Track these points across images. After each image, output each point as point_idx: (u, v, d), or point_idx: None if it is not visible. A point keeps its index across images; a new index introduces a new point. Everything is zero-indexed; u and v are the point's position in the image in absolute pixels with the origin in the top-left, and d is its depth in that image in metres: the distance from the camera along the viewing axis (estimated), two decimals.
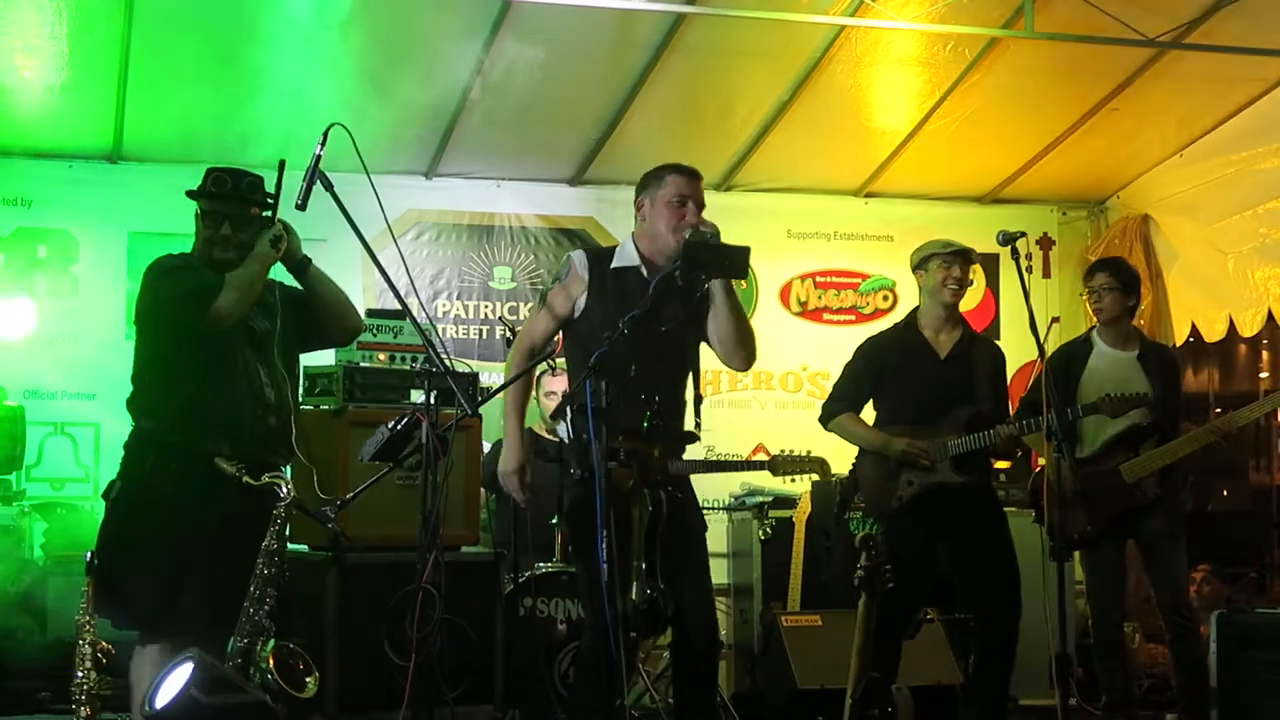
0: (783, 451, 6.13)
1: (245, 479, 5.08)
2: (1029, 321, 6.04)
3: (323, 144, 4.90)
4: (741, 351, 5.48)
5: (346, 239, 5.14)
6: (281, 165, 5.17)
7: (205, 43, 7.58)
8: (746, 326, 5.50)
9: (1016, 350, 7.78)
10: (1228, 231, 9.02)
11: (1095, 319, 7.23)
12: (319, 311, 5.50)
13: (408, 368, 6.73)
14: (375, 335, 6.69)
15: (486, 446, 7.68)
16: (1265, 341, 11.44)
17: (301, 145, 5.57)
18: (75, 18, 7.41)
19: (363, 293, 8.65)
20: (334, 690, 6.12)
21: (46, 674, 7.13)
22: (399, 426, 5.17)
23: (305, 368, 6.62)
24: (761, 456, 8.87)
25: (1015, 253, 6.07)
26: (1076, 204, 10.34)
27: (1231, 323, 9.02)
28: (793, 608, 7.91)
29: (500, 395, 5.54)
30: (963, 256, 6.57)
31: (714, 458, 8.78)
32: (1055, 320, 9.28)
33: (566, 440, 5.32)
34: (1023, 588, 6.51)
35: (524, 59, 7.95)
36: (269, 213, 5.32)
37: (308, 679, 5.03)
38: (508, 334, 7.83)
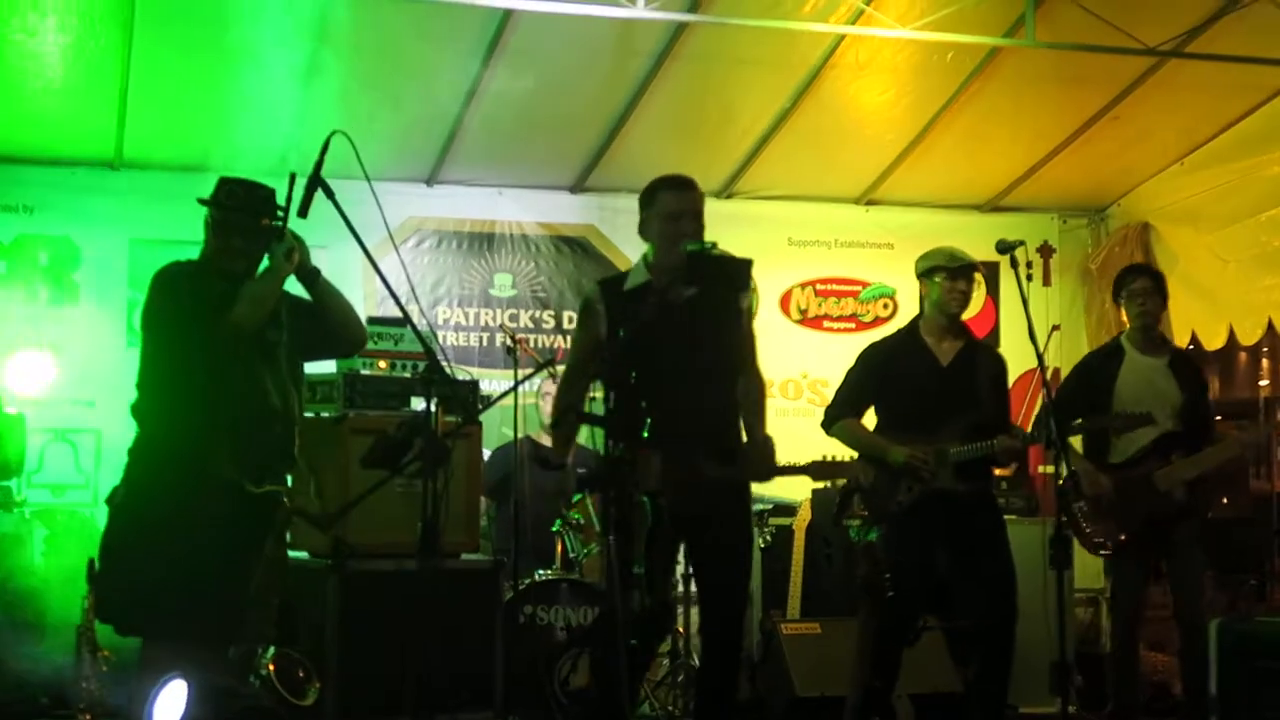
0: (824, 457, 6.08)
1: (247, 486, 5.09)
2: (1028, 330, 6.04)
3: (324, 151, 4.91)
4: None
5: (348, 246, 5.16)
6: (292, 178, 5.17)
7: (206, 50, 7.58)
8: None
9: (1016, 358, 7.77)
10: (1228, 240, 9.02)
11: (1132, 323, 7.17)
12: (326, 322, 5.50)
13: (408, 375, 6.74)
14: (376, 343, 6.69)
15: (486, 454, 7.69)
16: (1266, 350, 11.43)
17: (303, 152, 5.59)
18: (77, 24, 7.41)
19: (363, 300, 8.65)
20: (334, 698, 6.12)
21: (47, 680, 7.13)
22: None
23: (306, 375, 6.63)
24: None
25: (1014, 261, 6.08)
26: (1077, 212, 10.35)
27: (1231, 331, 9.02)
28: (792, 615, 7.91)
29: (500, 404, 5.55)
30: (966, 272, 6.58)
31: None
32: (1055, 328, 9.27)
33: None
34: (1023, 596, 6.51)
35: (525, 68, 7.97)
36: (280, 223, 5.32)
37: (308, 686, 5.04)
38: (508, 341, 7.84)
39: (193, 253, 5.42)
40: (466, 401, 6.33)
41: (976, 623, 6.57)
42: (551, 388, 8.06)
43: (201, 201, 5.32)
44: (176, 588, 5.07)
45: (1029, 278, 6.19)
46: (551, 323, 9.54)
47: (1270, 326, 8.73)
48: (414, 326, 5.33)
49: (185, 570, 5.07)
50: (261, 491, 5.15)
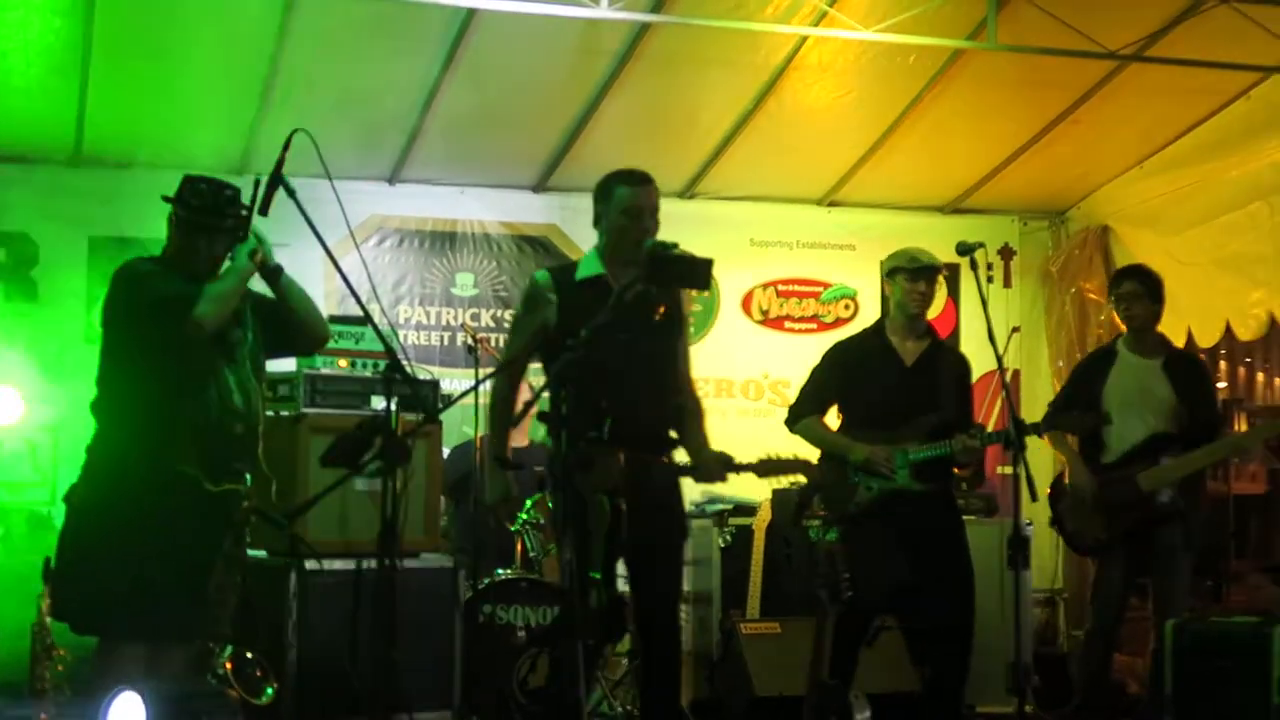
0: (769, 455, 6.06)
1: (207, 484, 5.07)
2: (988, 331, 6.07)
3: (285, 149, 4.89)
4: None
5: (309, 245, 5.14)
6: (256, 183, 5.16)
7: (167, 46, 7.54)
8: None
9: (977, 360, 7.80)
10: (1186, 243, 9.07)
11: (1124, 327, 7.25)
12: (289, 320, 5.47)
13: (369, 374, 6.72)
14: (337, 341, 6.66)
15: (446, 452, 7.68)
16: (1223, 353, 11.51)
17: (264, 150, 5.57)
18: (35, 19, 7.36)
19: (324, 298, 8.60)
20: (292, 697, 6.11)
21: (1, 678, 7.09)
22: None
23: (266, 373, 6.61)
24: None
25: (974, 263, 6.11)
26: (1037, 214, 10.39)
27: (1189, 334, 9.07)
28: (752, 615, 7.92)
29: (460, 403, 5.54)
30: (927, 273, 6.60)
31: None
32: (1015, 330, 9.33)
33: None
34: (980, 596, 6.54)
35: (488, 67, 7.96)
36: (244, 225, 5.29)
37: (265, 685, 5.02)
38: (469, 340, 7.84)
39: (153, 250, 5.41)
40: (427, 400, 6.31)
41: (934, 623, 6.60)
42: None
43: (166, 199, 5.29)
44: (134, 586, 5.05)
45: (989, 279, 6.23)
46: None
47: (1228, 330, 8.78)
48: (375, 325, 5.33)
49: (143, 569, 5.05)
50: (221, 490, 5.13)
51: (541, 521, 7.69)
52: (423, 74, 8.07)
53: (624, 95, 8.41)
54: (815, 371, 6.85)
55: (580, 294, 5.37)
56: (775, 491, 8.34)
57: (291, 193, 4.90)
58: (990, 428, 9.01)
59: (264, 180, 5.03)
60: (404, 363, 5.06)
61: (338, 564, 6.23)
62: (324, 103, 7.95)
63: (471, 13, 7.42)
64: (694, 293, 9.41)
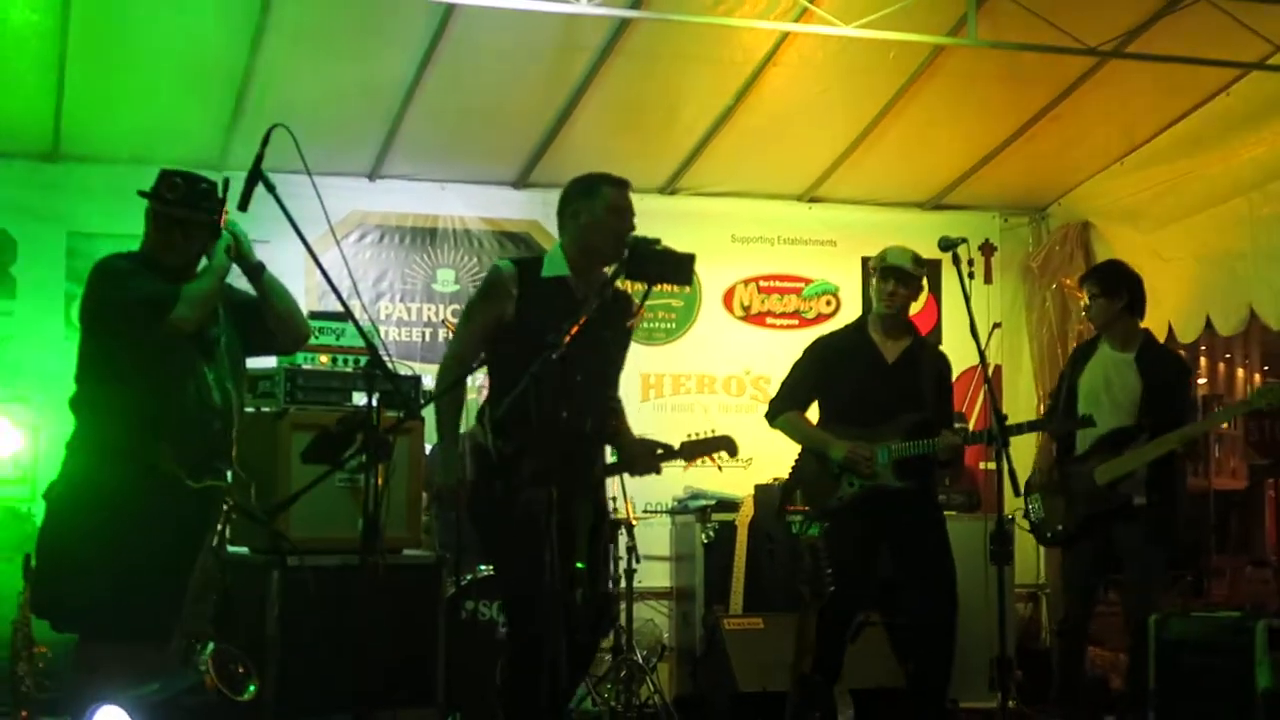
0: (689, 436, 6.02)
1: (187, 481, 5.05)
2: (970, 327, 6.07)
3: (264, 144, 4.87)
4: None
5: (289, 241, 5.11)
6: (225, 183, 5.14)
7: (145, 41, 7.51)
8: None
9: (958, 356, 7.81)
10: (1167, 239, 9.09)
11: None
12: (269, 318, 5.46)
13: (350, 370, 6.71)
14: (317, 337, 6.65)
15: (429, 449, 7.66)
16: (1203, 348, 11.56)
17: (243, 145, 5.54)
18: (11, 12, 7.32)
19: (305, 294, 8.59)
20: (274, 694, 6.09)
21: None
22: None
23: (247, 370, 6.59)
24: (704, 461, 8.88)
25: (956, 259, 6.12)
26: (1018, 210, 10.40)
27: (1170, 329, 9.10)
28: (735, 610, 7.93)
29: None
30: (895, 273, 6.64)
31: None
32: (997, 326, 9.32)
33: (492, 451, 5.25)
34: (963, 591, 6.55)
35: (468, 62, 7.94)
36: (220, 218, 5.27)
37: (247, 682, 5.00)
38: (450, 336, 7.82)
39: (132, 245, 5.38)
40: (409, 397, 6.30)
41: (918, 619, 6.61)
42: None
43: (142, 194, 5.28)
44: (115, 584, 5.03)
45: (970, 275, 6.21)
46: None
47: (1209, 325, 8.80)
48: (356, 321, 5.30)
49: (124, 566, 5.03)
50: (201, 487, 5.11)
51: None
52: (402, 69, 8.04)
53: (604, 91, 8.39)
54: (796, 366, 6.86)
55: (542, 292, 5.35)
56: (758, 487, 8.36)
57: (271, 188, 4.88)
58: (972, 423, 9.07)
59: (228, 180, 5.00)
60: (385, 359, 5.04)
61: (320, 561, 6.22)
62: (303, 98, 7.92)
63: (451, 8, 7.39)
64: (675, 288, 9.51)
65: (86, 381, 5.26)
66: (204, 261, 5.26)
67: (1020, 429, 6.80)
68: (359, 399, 6.32)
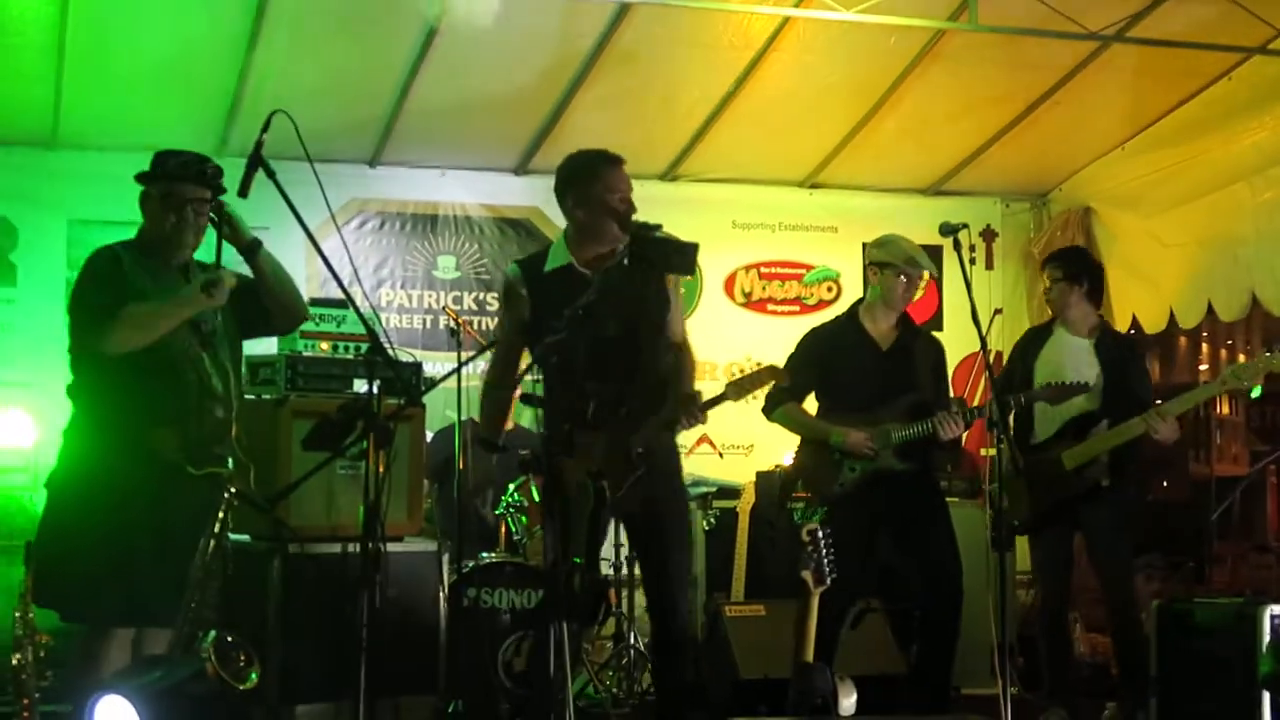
0: (734, 375, 5.91)
1: (189, 468, 5.04)
2: (971, 313, 6.06)
3: (265, 131, 4.85)
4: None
5: (289, 227, 5.10)
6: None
7: (144, 27, 7.50)
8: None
9: (959, 341, 7.81)
10: (1169, 224, 9.08)
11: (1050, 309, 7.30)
12: (266, 298, 5.42)
13: (350, 357, 6.70)
14: (318, 324, 6.65)
15: (430, 436, 7.66)
16: (1205, 334, 11.56)
17: (244, 132, 5.52)
18: (11, 1, 7.31)
19: (306, 281, 8.59)
20: (276, 681, 6.09)
21: None
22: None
23: (247, 356, 6.57)
24: (705, 449, 8.88)
25: (957, 244, 6.10)
26: (1019, 196, 10.40)
27: (1172, 314, 9.09)
28: (736, 598, 7.92)
29: (443, 386, 5.52)
30: (921, 275, 6.64)
31: None
32: (998, 312, 9.31)
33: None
34: (965, 577, 6.55)
35: (469, 49, 7.92)
36: (216, 203, 5.24)
37: (249, 670, 4.99)
38: (451, 323, 7.81)
39: (133, 233, 5.35)
40: (409, 383, 6.29)
41: (921, 605, 6.61)
42: None
43: (148, 176, 5.23)
44: (117, 572, 5.03)
45: (972, 261, 6.21)
46: (495, 305, 9.49)
47: (1210, 310, 8.79)
48: (356, 308, 5.28)
49: (127, 553, 5.02)
50: (204, 474, 5.10)
51: (525, 505, 7.68)
52: (403, 56, 8.03)
53: (605, 77, 8.38)
54: (791, 359, 6.84)
55: (550, 285, 5.33)
56: (759, 474, 8.35)
57: (272, 174, 4.86)
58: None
59: (229, 150, 4.97)
60: (386, 346, 5.04)
61: (321, 548, 6.22)
62: (304, 84, 7.90)
63: None
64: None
65: (83, 369, 5.24)
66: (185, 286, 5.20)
67: (1019, 402, 6.77)
68: (360, 386, 6.31)
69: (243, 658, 4.97)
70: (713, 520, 8.37)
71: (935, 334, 7.53)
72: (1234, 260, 8.55)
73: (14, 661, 5.12)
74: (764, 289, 9.99)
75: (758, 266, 9.99)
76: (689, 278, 9.47)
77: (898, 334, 6.70)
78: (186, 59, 7.79)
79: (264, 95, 7.71)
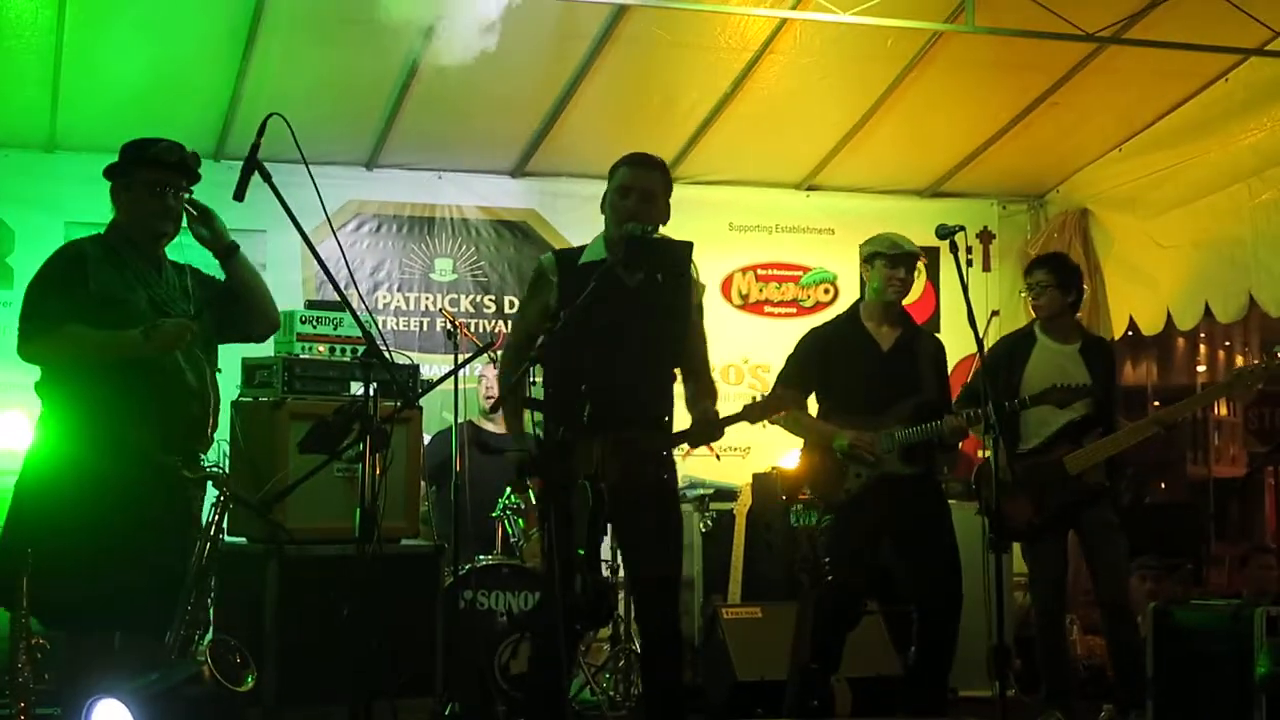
0: (753, 399, 5.94)
1: (169, 466, 5.00)
2: (968, 315, 6.05)
3: (261, 133, 4.85)
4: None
5: (285, 230, 5.08)
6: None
7: (142, 30, 7.50)
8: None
9: (956, 343, 7.80)
10: (1166, 225, 9.08)
11: (1035, 314, 7.27)
12: (240, 302, 5.37)
13: (347, 359, 6.68)
14: (315, 327, 6.65)
15: (427, 438, 7.66)
16: (1202, 335, 11.57)
17: (240, 134, 5.51)
18: (7, 3, 7.31)
19: (302, 284, 8.61)
20: (272, 684, 6.08)
21: None
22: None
23: (244, 359, 6.57)
24: (702, 451, 8.86)
25: (954, 246, 6.09)
26: (1016, 198, 10.40)
27: (1169, 316, 9.09)
28: (733, 600, 7.92)
29: (439, 388, 5.51)
30: (907, 260, 6.60)
31: None
32: (995, 314, 9.32)
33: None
34: (963, 580, 6.54)
35: (465, 49, 7.92)
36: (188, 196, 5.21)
37: (245, 673, 4.99)
38: (448, 326, 7.81)
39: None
40: (406, 386, 6.29)
41: (920, 607, 6.60)
42: (491, 372, 8.02)
43: (127, 164, 5.22)
44: (90, 574, 4.92)
45: (969, 263, 6.21)
46: (492, 307, 9.51)
47: (1208, 312, 8.80)
48: (353, 311, 5.27)
49: (100, 555, 4.90)
50: (196, 476, 5.08)
51: (523, 507, 7.68)
52: (399, 58, 8.03)
53: (601, 79, 8.39)
54: (791, 360, 6.82)
55: (582, 278, 5.30)
56: (755, 476, 8.35)
57: (268, 177, 4.85)
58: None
59: (225, 152, 4.96)
60: (383, 348, 5.02)
61: (317, 550, 6.21)
62: (300, 87, 7.90)
63: None
64: None
65: (49, 369, 5.20)
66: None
67: (1024, 404, 6.77)
68: (356, 388, 6.30)
69: (239, 660, 4.96)
70: (709, 523, 8.36)
71: None
72: (1231, 262, 8.56)
73: (11, 663, 5.10)
74: (761, 291, 9.99)
75: (755, 268, 10.00)
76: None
77: (899, 333, 6.68)
78: (183, 62, 7.80)
79: (261, 98, 7.72)
